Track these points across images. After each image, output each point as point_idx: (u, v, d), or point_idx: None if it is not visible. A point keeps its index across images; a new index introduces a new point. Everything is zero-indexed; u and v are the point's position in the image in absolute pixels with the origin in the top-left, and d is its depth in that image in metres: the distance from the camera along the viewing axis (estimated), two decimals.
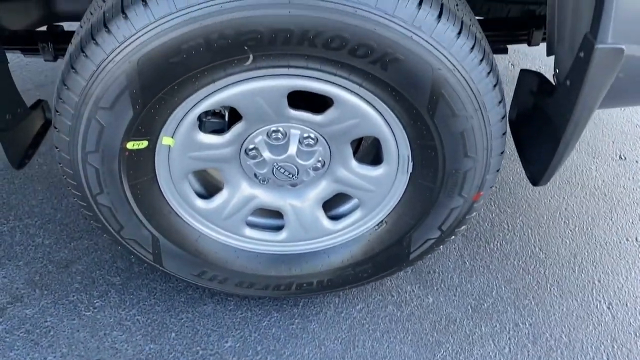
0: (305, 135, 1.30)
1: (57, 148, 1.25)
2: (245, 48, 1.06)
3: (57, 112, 1.17)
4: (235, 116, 1.29)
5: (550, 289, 1.73)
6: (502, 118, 1.26)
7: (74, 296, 1.65)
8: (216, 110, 1.31)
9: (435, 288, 1.72)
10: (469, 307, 1.67)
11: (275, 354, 1.53)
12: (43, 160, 2.10)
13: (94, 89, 1.10)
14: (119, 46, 1.05)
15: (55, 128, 1.21)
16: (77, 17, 1.58)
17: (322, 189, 1.41)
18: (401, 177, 1.35)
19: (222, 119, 1.33)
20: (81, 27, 1.14)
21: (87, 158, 1.22)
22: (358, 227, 1.47)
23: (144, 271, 1.72)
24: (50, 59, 1.53)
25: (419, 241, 1.45)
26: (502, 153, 1.32)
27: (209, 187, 1.49)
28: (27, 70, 2.54)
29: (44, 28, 1.64)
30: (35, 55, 1.53)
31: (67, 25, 1.71)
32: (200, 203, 1.40)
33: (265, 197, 1.42)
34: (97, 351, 1.52)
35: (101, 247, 1.80)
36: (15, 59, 2.27)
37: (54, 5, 1.62)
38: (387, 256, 1.49)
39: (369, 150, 1.52)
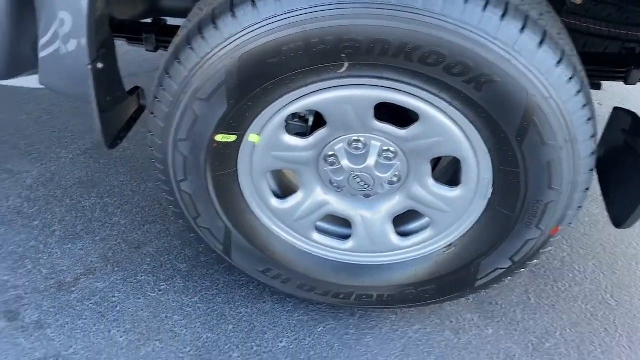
0: (385, 148, 1.31)
1: (150, 133, 1.32)
2: (343, 55, 1.09)
3: (157, 98, 1.24)
4: (318, 122, 1.32)
5: (619, 339, 1.64)
6: (592, 153, 1.22)
7: (142, 276, 1.72)
8: (301, 114, 1.34)
9: (496, 320, 1.67)
10: (529, 344, 1.61)
11: None
12: (128, 145, 2.22)
13: (194, 80, 1.16)
14: (223, 42, 1.11)
15: (152, 113, 1.27)
16: (177, 14, 1.67)
17: (395, 203, 1.41)
18: (478, 202, 1.33)
19: (305, 123, 1.36)
20: (189, 21, 1.20)
21: (177, 145, 1.28)
22: (426, 247, 1.46)
23: (210, 262, 1.77)
24: (152, 50, 1.62)
25: (488, 269, 1.42)
26: (587, 189, 1.27)
27: (284, 188, 1.53)
28: (124, 60, 2.68)
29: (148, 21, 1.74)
30: (138, 45, 1.63)
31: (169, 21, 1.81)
32: (274, 202, 1.44)
33: (338, 204, 1.44)
34: (158, 332, 1.57)
35: (172, 233, 1.87)
36: None
37: (159, 0, 1.71)
38: (453, 280, 1.46)
39: (446, 170, 1.50)
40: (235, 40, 1.09)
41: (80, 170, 2.09)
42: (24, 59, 1.35)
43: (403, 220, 1.49)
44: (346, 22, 1.05)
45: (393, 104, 1.22)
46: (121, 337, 1.56)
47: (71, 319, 1.59)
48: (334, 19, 1.05)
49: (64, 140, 2.23)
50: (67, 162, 2.12)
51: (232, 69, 1.12)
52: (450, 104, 1.15)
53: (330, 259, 1.52)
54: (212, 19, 1.11)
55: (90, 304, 1.64)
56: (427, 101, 1.17)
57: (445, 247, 1.44)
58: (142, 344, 1.54)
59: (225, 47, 1.10)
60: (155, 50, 1.63)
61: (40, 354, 1.51)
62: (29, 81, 1.55)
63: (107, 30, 1.36)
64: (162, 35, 1.62)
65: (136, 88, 1.58)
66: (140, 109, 1.60)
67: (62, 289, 1.68)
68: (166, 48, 1.63)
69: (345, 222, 1.50)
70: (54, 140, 2.23)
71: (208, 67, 1.13)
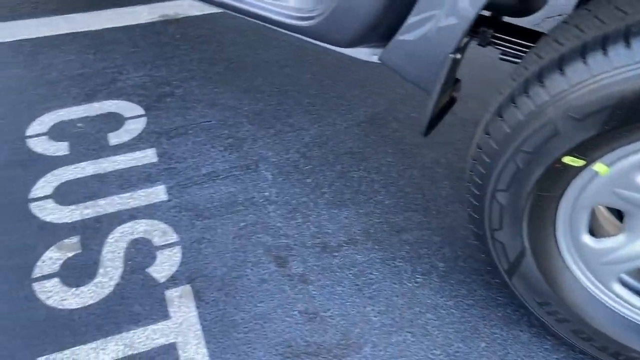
0: None
1: (487, 134, 1.26)
2: None
3: (514, 104, 1.18)
4: None
5: None
6: None
7: (399, 262, 1.72)
8: None
9: None
10: None
11: None
12: (398, 127, 2.23)
13: (572, 96, 1.07)
14: (634, 64, 0.99)
15: (501, 117, 1.21)
16: (518, 13, 1.58)
17: None
18: None
19: None
20: (581, 30, 1.10)
21: (515, 156, 1.20)
22: None
23: (467, 269, 1.71)
24: (482, 45, 1.56)
25: None
26: None
27: (592, 227, 1.39)
28: None
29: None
30: (472, 37, 1.57)
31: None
32: (586, 238, 1.31)
33: None
34: (410, 324, 1.56)
35: (433, 227, 1.84)
36: None
37: None
38: None
39: None
40: None
41: (352, 140, 2.15)
42: (380, 30, 1.37)
43: None
44: None
45: None
46: (375, 316, 1.57)
47: (331, 283, 1.65)
48: None
49: (341, 108, 2.31)
50: (341, 130, 2.20)
51: (631, 94, 1.01)
52: None
53: (625, 315, 1.35)
54: (625, 36, 1.00)
55: (350, 273, 1.68)
56: None
57: None
58: (394, 331, 1.54)
59: (634, 69, 0.99)
60: (485, 46, 1.56)
61: (302, 306, 1.59)
62: (357, 51, 1.59)
63: None
64: (497, 32, 1.54)
65: (457, 80, 1.54)
66: (452, 101, 1.57)
67: (325, 250, 1.75)
68: (496, 46, 1.57)
69: None
70: (332, 106, 2.32)
71: (599, 87, 1.03)
